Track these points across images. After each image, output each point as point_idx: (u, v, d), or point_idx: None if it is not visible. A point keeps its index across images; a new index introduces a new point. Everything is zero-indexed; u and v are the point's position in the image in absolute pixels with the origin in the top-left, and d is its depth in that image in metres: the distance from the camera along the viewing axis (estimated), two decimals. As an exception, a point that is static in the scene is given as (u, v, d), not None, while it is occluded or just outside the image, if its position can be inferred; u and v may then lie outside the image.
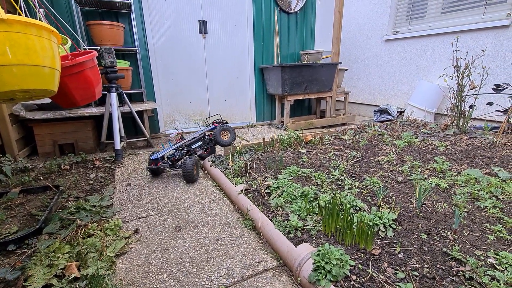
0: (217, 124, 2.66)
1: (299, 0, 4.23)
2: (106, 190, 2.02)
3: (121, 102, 2.83)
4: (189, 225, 1.59)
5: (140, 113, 3.11)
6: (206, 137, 2.56)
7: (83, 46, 2.61)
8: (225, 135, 2.58)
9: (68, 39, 2.03)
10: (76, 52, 1.99)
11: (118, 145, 2.61)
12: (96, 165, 2.55)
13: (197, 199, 1.91)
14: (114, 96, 2.62)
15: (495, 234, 1.28)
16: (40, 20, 1.57)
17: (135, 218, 1.67)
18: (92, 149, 2.93)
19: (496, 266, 1.08)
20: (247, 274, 1.21)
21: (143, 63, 3.40)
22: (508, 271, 1.05)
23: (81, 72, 1.71)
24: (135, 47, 3.22)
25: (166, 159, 2.29)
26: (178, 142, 2.39)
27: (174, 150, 2.33)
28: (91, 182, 2.18)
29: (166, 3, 3.45)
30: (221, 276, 1.19)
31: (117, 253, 1.31)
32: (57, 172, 2.35)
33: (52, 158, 2.65)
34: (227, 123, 2.69)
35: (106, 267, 1.18)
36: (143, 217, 1.69)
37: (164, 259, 1.31)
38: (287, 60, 4.41)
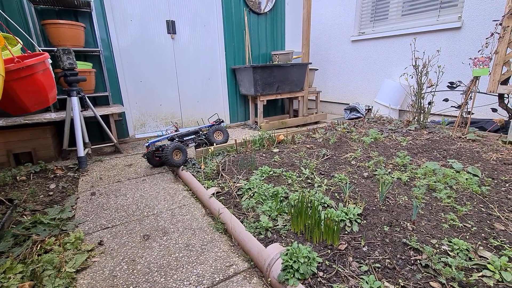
0: (214, 123, 2.90)
1: (269, 1, 4.26)
2: (68, 201, 1.90)
3: (84, 106, 2.67)
4: (158, 233, 1.54)
5: (105, 117, 2.96)
6: (201, 133, 2.79)
7: (37, 47, 2.42)
8: (219, 135, 2.86)
9: (18, 41, 1.87)
10: (26, 55, 1.83)
11: (81, 152, 2.47)
12: (57, 174, 2.38)
13: (167, 205, 1.86)
14: (75, 100, 2.46)
15: (449, 223, 1.38)
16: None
17: (99, 229, 1.59)
18: (53, 157, 2.74)
19: (449, 252, 1.17)
20: (218, 279, 1.19)
21: (108, 65, 3.24)
22: (460, 257, 1.14)
23: (31, 76, 1.58)
24: (97, 47, 3.06)
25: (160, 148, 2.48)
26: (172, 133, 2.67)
27: (167, 140, 2.53)
28: (51, 193, 2.04)
29: (131, 2, 3.31)
30: (190, 284, 1.17)
31: (78, 268, 1.23)
32: (12, 184, 2.16)
33: (6, 169, 2.43)
34: (223, 121, 2.98)
35: (64, 284, 1.11)
36: (108, 227, 1.60)
37: (130, 271, 1.25)
38: (259, 60, 4.43)
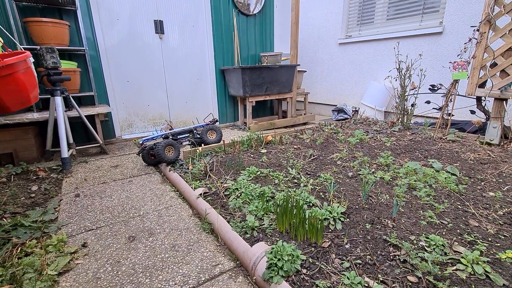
0: (209, 123, 2.94)
1: (258, 3, 4.30)
2: (51, 203, 1.86)
3: (68, 106, 2.62)
4: (144, 234, 1.53)
5: (91, 117, 2.91)
6: (195, 132, 2.83)
7: (19, 46, 2.36)
8: (212, 135, 2.88)
9: (-2, 38, 1.82)
10: (6, 53, 1.79)
11: (65, 153, 2.42)
12: (40, 176, 2.32)
13: (154, 206, 1.85)
14: (58, 100, 2.41)
15: (427, 220, 1.44)
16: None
17: (83, 231, 1.56)
18: (36, 158, 2.66)
19: (426, 248, 1.22)
20: (203, 278, 1.20)
21: (93, 64, 3.18)
22: (436, 252, 1.19)
23: (11, 75, 1.54)
24: (83, 46, 3.00)
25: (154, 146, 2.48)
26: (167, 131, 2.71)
27: (162, 138, 2.57)
28: (32, 195, 1.99)
29: (117, 1, 3.27)
30: (176, 284, 1.17)
31: (60, 271, 1.21)
32: (-9, 186, 2.10)
33: (-15, 171, 2.36)
34: (217, 121, 3.02)
35: (46, 287, 1.09)
36: (92, 229, 1.58)
37: (115, 272, 1.24)
38: (248, 62, 4.46)
